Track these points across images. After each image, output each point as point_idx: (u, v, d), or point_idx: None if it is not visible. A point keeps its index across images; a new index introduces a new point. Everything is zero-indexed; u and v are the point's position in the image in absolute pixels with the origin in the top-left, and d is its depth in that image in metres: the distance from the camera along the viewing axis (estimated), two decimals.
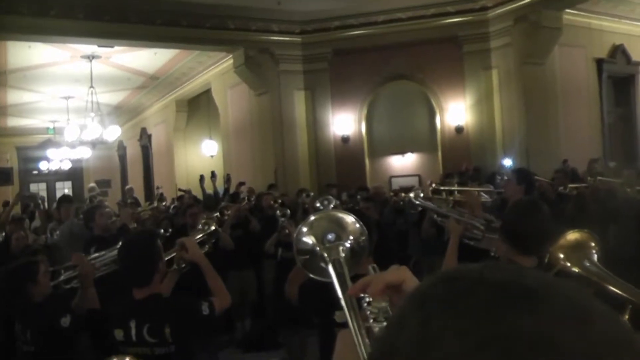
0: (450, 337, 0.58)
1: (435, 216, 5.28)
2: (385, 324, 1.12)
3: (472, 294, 0.61)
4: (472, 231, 4.22)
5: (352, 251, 1.59)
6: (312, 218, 1.71)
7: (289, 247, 7.02)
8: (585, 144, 13.51)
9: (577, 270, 2.34)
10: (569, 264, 2.37)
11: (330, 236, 1.62)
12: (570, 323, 0.57)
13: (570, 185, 7.93)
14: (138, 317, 3.47)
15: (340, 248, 1.57)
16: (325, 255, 1.56)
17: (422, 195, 6.23)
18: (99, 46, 13.94)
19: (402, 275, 1.21)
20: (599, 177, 7.49)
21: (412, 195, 6.15)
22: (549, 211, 3.29)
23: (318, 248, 1.60)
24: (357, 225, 1.65)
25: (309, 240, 1.63)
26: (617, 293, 2.21)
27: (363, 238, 1.64)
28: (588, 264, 2.34)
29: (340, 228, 1.64)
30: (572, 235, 2.47)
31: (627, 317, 2.09)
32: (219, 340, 7.69)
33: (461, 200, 6.76)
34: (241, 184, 12.35)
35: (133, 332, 3.44)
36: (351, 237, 1.62)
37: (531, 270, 0.66)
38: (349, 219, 1.67)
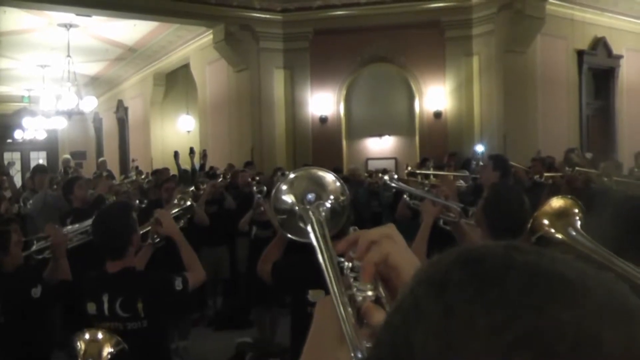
0: (482, 332, 0.50)
1: (408, 199, 5.22)
2: (369, 293, 1.04)
3: (503, 280, 0.53)
4: (448, 214, 4.13)
5: (332, 211, 1.52)
6: (292, 176, 1.63)
7: (263, 225, 7.03)
8: (562, 135, 13.59)
9: (560, 237, 2.32)
10: (552, 231, 2.35)
11: (310, 195, 1.54)
12: (614, 319, 0.51)
13: (546, 174, 7.97)
14: (111, 290, 3.44)
15: (321, 208, 1.50)
16: (305, 215, 1.49)
17: (396, 177, 6.20)
18: (77, 15, 13.68)
19: (388, 231, 1.15)
20: (577, 168, 7.51)
21: (386, 177, 6.05)
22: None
23: (297, 207, 1.53)
24: (338, 183, 1.59)
25: (288, 199, 1.56)
26: (600, 261, 2.20)
27: (343, 198, 1.57)
28: (572, 231, 2.32)
29: (320, 187, 1.57)
30: (556, 202, 2.44)
31: None
32: (190, 317, 7.67)
33: (436, 185, 6.78)
34: (213, 168, 12.31)
35: (105, 306, 3.41)
36: (331, 197, 1.55)
37: (559, 255, 0.58)
38: (329, 177, 1.59)
